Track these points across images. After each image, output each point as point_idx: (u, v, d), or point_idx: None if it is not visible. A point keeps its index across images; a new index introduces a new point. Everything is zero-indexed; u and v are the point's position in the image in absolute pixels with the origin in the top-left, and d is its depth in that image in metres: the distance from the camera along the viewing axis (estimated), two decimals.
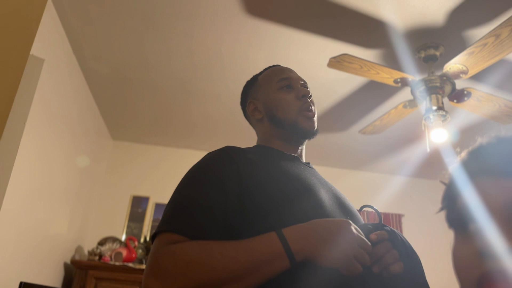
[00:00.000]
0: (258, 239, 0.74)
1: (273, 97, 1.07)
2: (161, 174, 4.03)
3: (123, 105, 3.34)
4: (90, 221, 3.68)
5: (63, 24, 2.34)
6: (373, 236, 0.77)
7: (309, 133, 1.04)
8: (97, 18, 2.28)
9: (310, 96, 1.07)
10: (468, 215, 0.45)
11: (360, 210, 0.95)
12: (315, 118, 1.06)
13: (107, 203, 3.85)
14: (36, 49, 2.07)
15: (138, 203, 3.90)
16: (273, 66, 1.17)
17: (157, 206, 3.90)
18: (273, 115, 1.05)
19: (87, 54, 2.64)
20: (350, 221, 0.77)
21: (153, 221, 3.83)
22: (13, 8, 0.80)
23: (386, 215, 4.16)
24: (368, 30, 2.25)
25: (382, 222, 0.82)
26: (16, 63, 0.80)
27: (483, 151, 0.49)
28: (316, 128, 1.06)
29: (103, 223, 3.74)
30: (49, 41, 2.25)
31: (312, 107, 1.06)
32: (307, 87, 1.11)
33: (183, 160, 4.03)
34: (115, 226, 3.77)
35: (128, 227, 3.79)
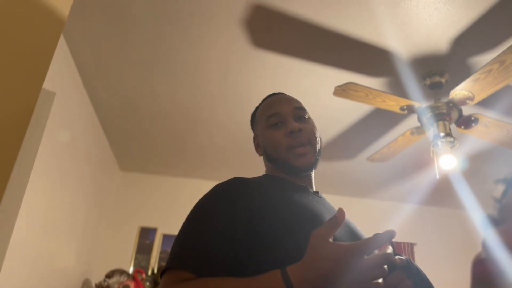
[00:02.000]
0: (263, 279, 0.72)
1: (264, 135, 1.05)
2: (169, 205, 4.02)
3: (131, 136, 3.38)
4: (98, 253, 3.65)
5: (74, 57, 2.40)
6: (396, 259, 0.74)
7: (302, 170, 1.00)
8: (107, 51, 2.34)
9: (300, 129, 1.00)
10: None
11: None
12: (311, 151, 1.01)
13: (115, 235, 3.83)
14: (47, 83, 2.11)
15: (146, 235, 3.87)
16: (268, 97, 1.15)
17: (165, 237, 3.87)
18: (267, 153, 1.05)
19: (97, 87, 2.69)
20: (361, 249, 0.70)
21: (161, 252, 3.79)
22: (27, 44, 0.83)
23: (398, 244, 4.09)
24: (372, 59, 2.28)
25: (395, 251, 0.79)
26: (28, 97, 0.82)
27: None
28: (312, 161, 1.01)
29: (110, 255, 3.71)
30: (60, 75, 2.30)
31: (305, 139, 1.00)
32: (302, 115, 1.06)
33: (191, 190, 4.03)
34: (123, 258, 3.74)
35: (135, 259, 3.75)
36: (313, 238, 0.72)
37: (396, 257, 0.75)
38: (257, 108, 1.16)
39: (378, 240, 0.70)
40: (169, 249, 3.80)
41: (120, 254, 3.75)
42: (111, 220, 3.89)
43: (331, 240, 0.71)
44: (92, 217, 3.33)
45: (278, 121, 1.03)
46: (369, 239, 0.70)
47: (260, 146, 1.10)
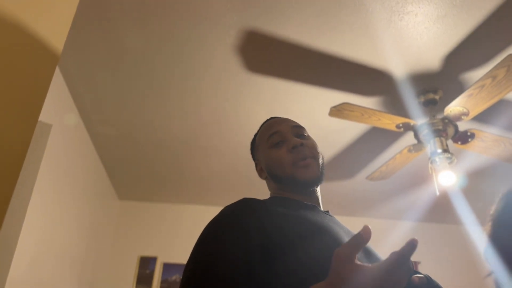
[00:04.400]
0: None
1: (267, 156, 1.05)
2: (169, 232, 3.97)
3: (129, 165, 3.37)
4: (98, 284, 3.58)
5: (70, 89, 2.42)
6: (415, 278, 0.72)
7: (310, 182, 1.00)
8: (103, 82, 2.36)
9: (302, 144, 1.01)
10: None
11: None
12: (315, 163, 1.01)
13: (115, 265, 3.77)
14: (44, 115, 2.12)
15: (146, 264, 3.81)
16: (266, 121, 1.16)
17: (165, 266, 3.80)
18: (273, 174, 1.04)
19: (93, 118, 2.70)
20: (388, 273, 0.65)
21: (162, 282, 3.72)
22: (23, 76, 0.83)
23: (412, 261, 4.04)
24: (366, 78, 2.30)
25: (414, 269, 0.78)
26: (25, 129, 0.82)
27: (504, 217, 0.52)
28: (318, 173, 1.00)
29: (111, 286, 3.64)
30: (57, 107, 2.31)
31: (307, 153, 1.00)
32: (301, 133, 1.07)
33: (190, 216, 4.00)
34: None
35: None
36: (336, 259, 0.65)
37: (416, 275, 0.74)
38: (255, 135, 1.17)
39: (402, 259, 0.63)
40: (170, 279, 3.74)
41: (120, 285, 3.68)
42: (111, 250, 3.84)
43: (356, 261, 0.64)
44: (91, 248, 3.28)
45: (279, 139, 1.04)
46: (393, 262, 0.63)
47: (264, 170, 1.08)
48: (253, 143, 1.17)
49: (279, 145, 1.03)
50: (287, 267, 0.76)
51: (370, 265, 0.65)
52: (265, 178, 1.10)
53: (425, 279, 0.74)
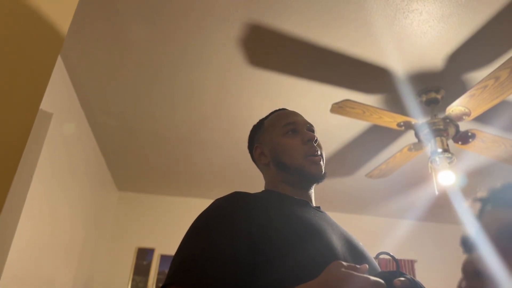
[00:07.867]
0: None
1: (278, 142, 1.05)
2: (167, 224, 3.98)
3: (129, 156, 3.37)
4: (95, 275, 3.59)
5: (71, 79, 2.41)
6: (397, 282, 0.73)
7: (316, 178, 1.02)
8: (104, 73, 2.35)
9: (316, 140, 1.05)
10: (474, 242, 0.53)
11: (377, 257, 0.91)
12: (322, 162, 1.04)
13: (112, 256, 3.78)
14: (45, 103, 2.12)
15: (143, 255, 3.82)
16: (279, 110, 1.17)
17: (163, 258, 3.82)
18: (279, 160, 1.04)
19: (94, 108, 2.70)
20: (371, 278, 0.69)
21: (159, 273, 3.74)
22: (24, 64, 0.83)
23: (398, 261, 4.05)
24: (369, 76, 2.30)
25: (400, 270, 0.77)
26: (25, 117, 0.82)
27: (496, 190, 0.56)
28: (323, 172, 1.04)
29: (107, 277, 3.66)
30: (58, 96, 2.31)
31: (318, 151, 1.04)
32: (313, 131, 1.10)
33: (189, 209, 3.99)
34: (120, 280, 3.68)
35: (133, 280, 3.69)
36: (332, 265, 0.71)
37: (400, 278, 0.73)
38: (262, 119, 1.17)
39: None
40: (167, 270, 3.76)
41: (117, 276, 3.69)
42: (108, 241, 3.85)
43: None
44: (89, 238, 3.29)
45: (295, 130, 1.06)
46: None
47: (266, 155, 1.08)
48: (259, 126, 1.16)
49: (293, 135, 1.06)
50: (273, 266, 0.77)
51: (364, 275, 0.69)
52: (265, 164, 1.09)
53: (408, 282, 0.74)
